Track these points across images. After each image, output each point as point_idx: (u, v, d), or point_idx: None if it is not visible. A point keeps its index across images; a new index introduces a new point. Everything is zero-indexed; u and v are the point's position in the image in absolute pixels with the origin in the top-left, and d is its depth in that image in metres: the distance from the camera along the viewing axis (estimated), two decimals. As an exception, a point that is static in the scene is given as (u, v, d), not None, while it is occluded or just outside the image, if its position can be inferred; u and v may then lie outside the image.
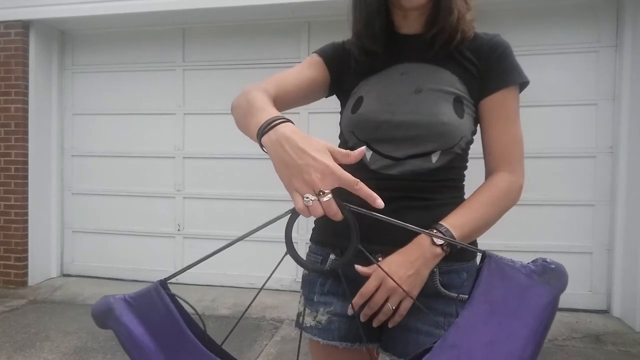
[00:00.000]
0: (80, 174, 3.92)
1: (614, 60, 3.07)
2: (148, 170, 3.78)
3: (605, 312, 3.10)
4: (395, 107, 0.84)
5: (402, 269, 0.76)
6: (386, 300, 0.77)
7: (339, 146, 0.93)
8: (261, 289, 0.72)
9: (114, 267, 3.76)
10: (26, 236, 3.65)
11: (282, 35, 3.53)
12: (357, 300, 0.78)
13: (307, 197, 0.57)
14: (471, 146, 0.90)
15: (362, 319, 0.81)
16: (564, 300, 2.87)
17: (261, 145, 0.66)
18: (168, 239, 3.74)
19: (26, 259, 3.65)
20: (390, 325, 0.80)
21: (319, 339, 0.89)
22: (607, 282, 3.11)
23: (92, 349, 2.53)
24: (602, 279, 3.13)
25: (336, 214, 0.57)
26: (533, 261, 0.59)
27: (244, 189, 3.51)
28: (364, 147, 0.63)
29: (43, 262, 3.80)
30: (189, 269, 0.64)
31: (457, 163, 0.87)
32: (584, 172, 3.13)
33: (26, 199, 3.64)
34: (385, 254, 0.81)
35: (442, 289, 0.83)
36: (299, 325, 0.93)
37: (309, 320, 0.91)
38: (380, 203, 0.58)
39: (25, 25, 3.59)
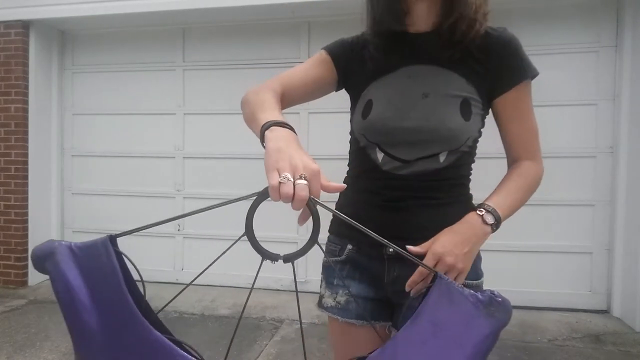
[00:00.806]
0: (80, 174, 3.92)
1: (614, 60, 3.07)
2: (148, 170, 3.78)
3: (605, 312, 3.10)
4: (404, 113, 0.87)
5: (458, 248, 0.79)
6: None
7: (350, 143, 1.01)
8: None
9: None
10: (26, 236, 3.65)
11: (282, 35, 3.53)
12: (416, 278, 0.80)
13: (285, 176, 0.57)
14: (477, 145, 0.94)
15: (408, 287, 0.82)
16: (564, 300, 2.88)
17: (263, 139, 0.68)
18: (168, 238, 3.74)
19: (26, 259, 3.65)
20: None
21: (338, 317, 0.99)
22: (607, 282, 3.11)
23: (92, 349, 2.53)
24: (602, 279, 3.13)
25: (302, 200, 0.57)
26: (482, 291, 0.59)
27: (244, 189, 3.50)
28: (344, 185, 0.64)
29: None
30: (145, 229, 0.63)
31: (464, 160, 0.91)
32: (584, 172, 3.13)
33: (26, 199, 3.64)
34: (400, 246, 0.84)
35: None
36: (321, 305, 1.03)
37: (329, 301, 1.01)
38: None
39: (25, 25, 3.59)
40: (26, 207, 3.65)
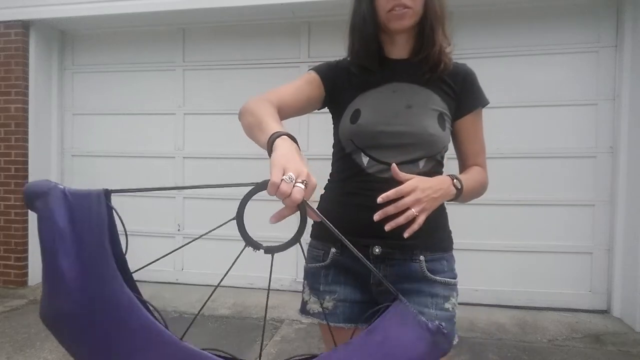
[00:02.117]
0: (80, 173, 3.92)
1: (614, 60, 3.07)
2: (148, 170, 3.78)
3: (605, 312, 3.10)
4: (390, 119, 0.99)
5: (430, 190, 0.89)
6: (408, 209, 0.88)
7: (334, 153, 1.10)
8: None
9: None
10: (26, 236, 3.65)
11: (282, 35, 3.53)
12: (391, 194, 0.87)
13: (289, 176, 0.62)
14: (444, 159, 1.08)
15: (378, 217, 0.88)
16: (564, 300, 2.89)
17: (271, 146, 0.72)
18: (168, 239, 3.73)
19: (26, 259, 3.65)
20: (406, 235, 0.87)
21: (326, 322, 1.00)
22: (607, 282, 3.11)
23: (92, 349, 2.53)
24: (602, 279, 3.13)
25: (295, 202, 0.61)
26: (432, 321, 0.66)
27: (244, 189, 3.50)
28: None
29: (43, 262, 3.80)
30: (139, 190, 0.64)
31: (438, 169, 1.04)
32: (584, 172, 3.13)
33: (26, 199, 3.64)
34: (382, 247, 0.97)
35: (429, 274, 0.98)
36: (305, 311, 1.06)
37: (316, 307, 1.04)
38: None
39: (25, 25, 3.59)
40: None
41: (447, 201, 0.99)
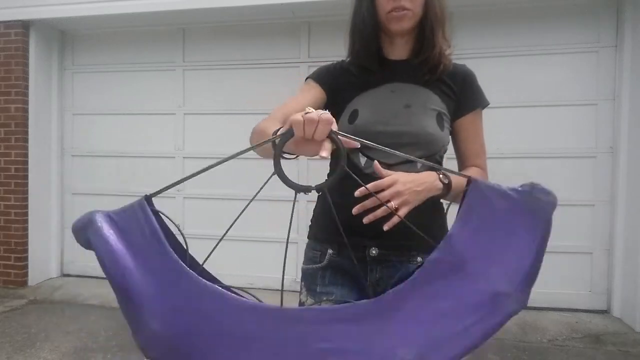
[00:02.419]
0: (80, 173, 3.92)
1: (614, 60, 3.07)
2: (148, 170, 3.78)
3: (605, 312, 3.10)
4: (389, 119, 0.99)
5: (412, 184, 0.87)
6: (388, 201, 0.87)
7: (332, 153, 1.04)
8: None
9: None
10: (26, 236, 3.65)
11: (282, 35, 3.52)
12: (371, 187, 0.84)
13: (308, 110, 0.62)
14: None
15: (357, 211, 0.87)
16: (564, 300, 2.87)
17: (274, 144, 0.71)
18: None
19: (26, 259, 3.65)
20: (386, 227, 0.85)
21: None
22: (607, 282, 3.11)
23: (92, 349, 2.53)
24: (602, 279, 3.12)
25: (327, 123, 0.60)
26: (521, 185, 0.60)
27: (244, 189, 3.50)
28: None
29: (43, 262, 3.80)
30: (175, 185, 0.65)
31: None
32: (584, 172, 3.13)
33: (26, 199, 3.64)
34: (379, 247, 0.96)
35: None
36: None
37: None
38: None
39: (25, 25, 3.59)
40: (26, 207, 3.65)
41: (440, 199, 0.97)
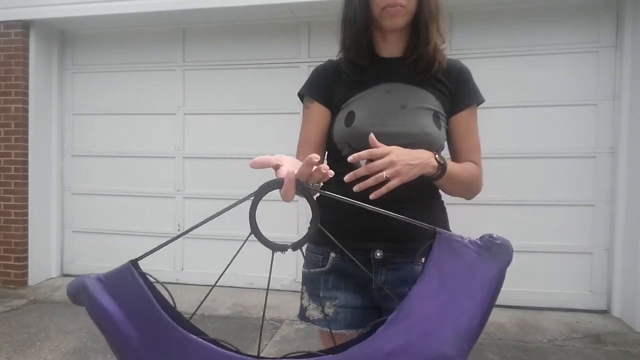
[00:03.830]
0: (80, 174, 3.92)
1: (614, 60, 3.07)
2: (148, 170, 3.78)
3: (605, 312, 3.10)
4: (386, 120, 0.97)
5: (407, 157, 0.85)
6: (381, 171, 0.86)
7: (329, 156, 1.08)
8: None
9: (114, 267, 3.73)
10: (26, 236, 3.65)
11: (282, 35, 3.53)
12: (365, 154, 0.83)
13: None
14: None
15: (349, 179, 0.85)
16: (564, 300, 2.88)
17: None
18: (168, 239, 3.73)
19: (26, 259, 3.65)
20: (372, 197, 0.82)
21: (328, 329, 1.00)
22: (607, 282, 3.11)
23: (92, 349, 2.53)
24: (602, 279, 3.12)
25: (290, 187, 0.63)
26: (480, 238, 0.63)
27: (244, 189, 3.50)
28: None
29: (43, 262, 3.80)
30: (158, 249, 0.69)
31: None
32: (584, 172, 3.13)
33: (26, 199, 3.64)
34: (383, 250, 0.95)
35: None
36: (305, 318, 1.04)
37: (316, 314, 1.02)
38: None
39: (25, 25, 3.59)
40: (26, 207, 3.65)
41: (433, 180, 0.95)
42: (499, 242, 0.62)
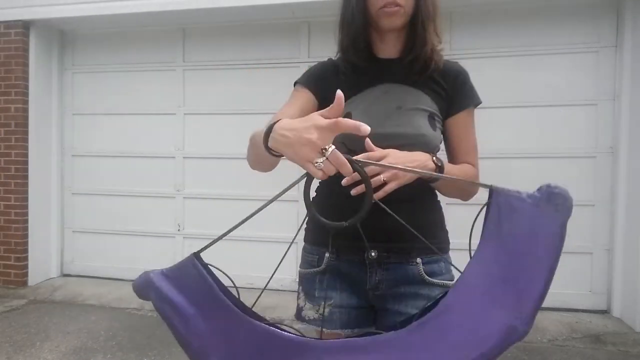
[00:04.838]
0: (80, 174, 3.92)
1: (614, 60, 3.07)
2: (148, 171, 3.78)
3: (605, 312, 3.10)
4: (381, 121, 0.97)
5: (404, 159, 0.86)
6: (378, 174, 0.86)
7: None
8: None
9: (114, 267, 3.76)
10: (26, 236, 3.65)
11: (282, 35, 3.53)
12: (362, 157, 0.82)
13: (317, 162, 0.62)
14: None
15: (346, 182, 0.85)
16: (564, 300, 2.87)
17: (270, 152, 0.71)
18: (168, 239, 3.73)
19: (26, 259, 3.65)
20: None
21: (324, 329, 1.00)
22: (607, 282, 3.11)
23: (92, 349, 2.53)
24: (602, 279, 3.12)
25: (344, 164, 0.62)
26: (538, 189, 0.58)
27: (244, 189, 3.51)
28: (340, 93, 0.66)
29: (43, 262, 3.80)
30: (221, 238, 0.70)
31: None
32: (584, 172, 3.13)
33: (26, 199, 3.64)
34: (379, 250, 0.94)
35: (427, 277, 0.97)
36: (301, 318, 1.04)
37: (312, 314, 1.02)
38: (365, 129, 0.62)
39: (25, 25, 3.59)
40: (26, 207, 3.65)
41: (431, 182, 0.97)
42: (557, 191, 0.57)
